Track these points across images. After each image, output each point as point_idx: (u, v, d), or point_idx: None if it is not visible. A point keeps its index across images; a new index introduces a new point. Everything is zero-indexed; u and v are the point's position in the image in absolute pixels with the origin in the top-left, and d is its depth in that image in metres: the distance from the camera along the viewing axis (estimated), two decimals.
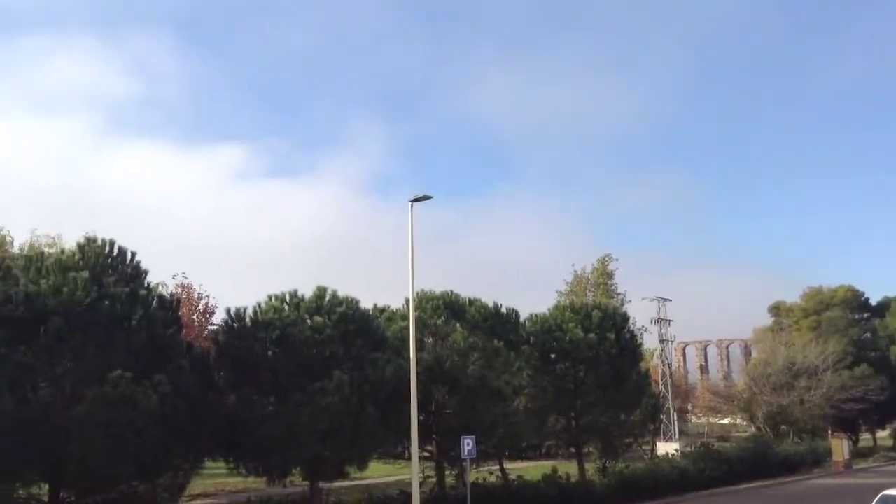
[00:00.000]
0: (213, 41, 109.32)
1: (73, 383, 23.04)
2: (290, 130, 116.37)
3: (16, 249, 28.78)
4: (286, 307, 28.24)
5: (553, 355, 37.64)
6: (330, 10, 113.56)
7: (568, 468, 37.92)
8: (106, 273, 24.33)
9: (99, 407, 21.87)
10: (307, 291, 28.75)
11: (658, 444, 59.69)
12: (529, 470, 39.49)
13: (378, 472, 37.49)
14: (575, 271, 76.20)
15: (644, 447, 54.64)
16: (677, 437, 63.89)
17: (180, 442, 24.10)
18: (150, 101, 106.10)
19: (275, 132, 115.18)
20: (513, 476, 36.40)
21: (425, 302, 32.47)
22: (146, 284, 25.66)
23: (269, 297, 28.65)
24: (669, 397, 64.22)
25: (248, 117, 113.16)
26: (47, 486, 24.12)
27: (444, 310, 32.88)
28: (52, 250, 27.87)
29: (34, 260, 24.61)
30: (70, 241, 27.82)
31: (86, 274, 23.47)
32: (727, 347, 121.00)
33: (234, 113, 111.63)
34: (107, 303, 23.28)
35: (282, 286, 40.38)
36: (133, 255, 25.50)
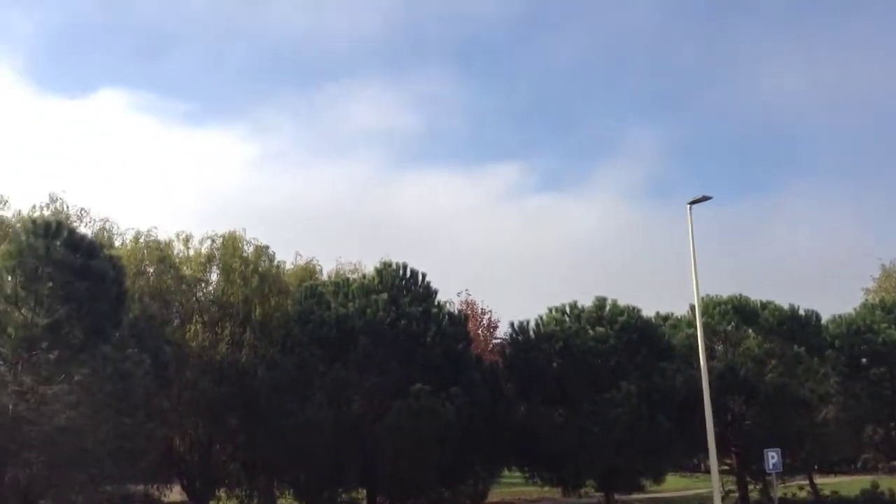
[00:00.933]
0: (487, 67, 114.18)
1: (381, 396, 25.19)
2: (561, 144, 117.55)
3: (325, 277, 32.02)
4: (567, 318, 28.54)
5: (864, 360, 33.89)
6: (594, 18, 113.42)
7: (891, 483, 33.82)
8: (402, 294, 26.39)
9: (403, 417, 23.68)
10: (586, 302, 28.92)
11: None
12: (844, 485, 35.78)
13: (674, 486, 36.26)
14: (882, 265, 67.84)
15: None
16: None
17: (478, 451, 25.27)
18: (434, 131, 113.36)
19: (547, 147, 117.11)
20: (825, 491, 33.27)
21: (712, 307, 30.96)
22: (437, 303, 27.45)
23: (550, 310, 29.18)
24: None
25: (521, 134, 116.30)
26: (365, 491, 26.57)
27: (734, 315, 31.10)
28: (354, 276, 30.71)
29: (341, 286, 27.38)
30: (369, 267, 30.51)
31: (385, 296, 25.67)
32: None
33: (508, 132, 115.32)
34: (404, 321, 25.25)
35: (561, 298, 40.81)
36: (423, 275, 27.41)
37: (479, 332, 51.70)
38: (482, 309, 54.21)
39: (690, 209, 25.75)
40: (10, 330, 19.36)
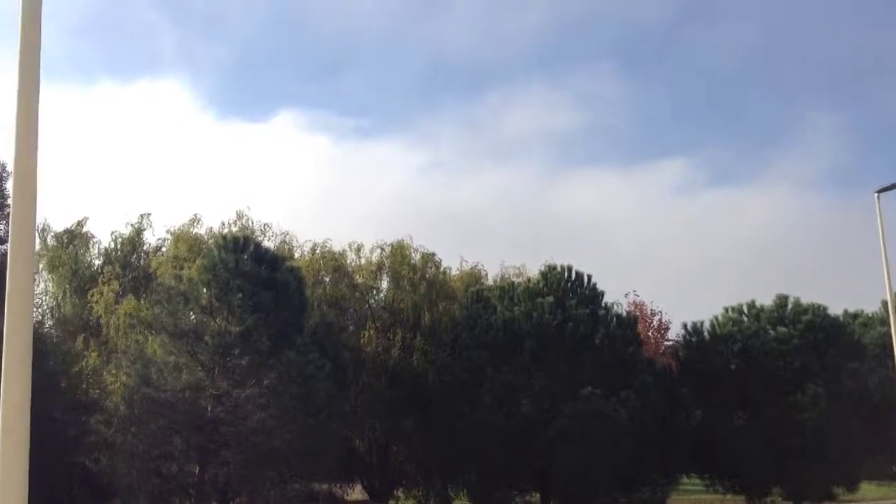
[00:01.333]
0: (649, 61, 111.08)
1: (550, 399, 25.11)
2: (732, 136, 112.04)
3: (490, 281, 32.38)
4: (745, 318, 27.30)
5: None
6: (762, 4, 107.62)
7: None
8: (567, 297, 26.22)
9: (574, 421, 23.50)
10: (765, 300, 27.56)
11: None
12: None
13: (871, 494, 33.56)
14: None
15: None
16: None
17: (653, 456, 24.60)
18: (595, 130, 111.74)
19: (716, 140, 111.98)
20: None
21: None
22: (604, 305, 27.04)
23: (726, 309, 28.04)
24: None
25: (688, 129, 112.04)
26: (538, 494, 26.58)
27: None
28: (519, 279, 30.83)
29: (506, 290, 27.59)
30: (533, 270, 30.52)
31: (550, 299, 25.61)
32: None
33: (674, 127, 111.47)
34: (571, 324, 25.07)
35: (737, 297, 39.01)
36: (589, 278, 27.08)
37: (650, 333, 50.18)
38: (652, 310, 52.60)
39: (878, 198, 23.86)
40: (206, 338, 21.08)
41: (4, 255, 20.10)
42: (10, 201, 20.43)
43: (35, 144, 4.38)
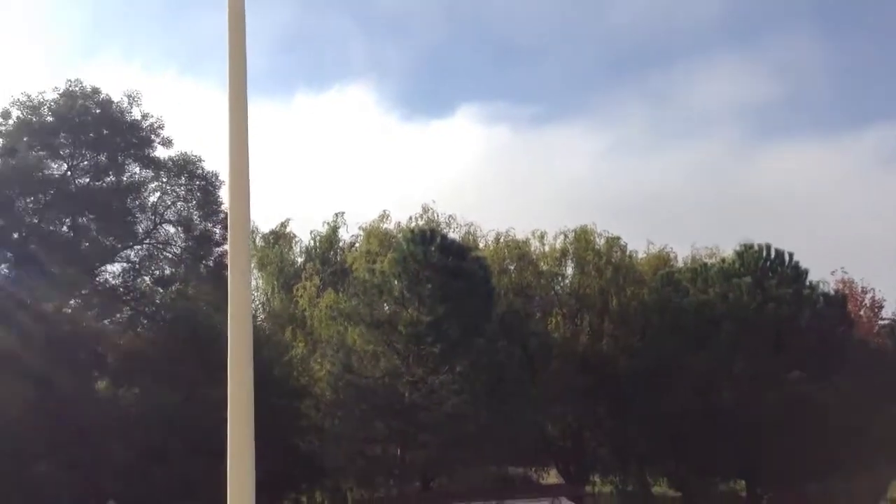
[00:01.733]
0: (850, 20, 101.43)
1: (752, 384, 23.86)
2: None
3: (680, 264, 31.21)
4: None
5: None
6: None
7: None
8: (766, 276, 24.79)
9: (780, 407, 22.21)
10: None
11: None
12: None
13: None
14: None
15: None
16: None
17: (870, 441, 22.73)
18: (794, 99, 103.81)
19: None
20: None
21: None
22: (808, 284, 25.30)
23: None
24: None
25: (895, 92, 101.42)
26: (744, 482, 25.41)
27: None
28: (712, 261, 29.47)
29: (698, 272, 26.53)
30: (727, 250, 29.07)
31: (748, 279, 24.33)
32: None
33: (879, 91, 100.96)
34: (772, 305, 23.69)
35: None
36: (790, 255, 25.43)
37: (861, 313, 46.30)
38: (863, 288, 48.45)
39: None
40: (400, 328, 22.02)
41: (224, 255, 22.14)
42: (224, 207, 22.39)
43: (246, 155, 4.76)
